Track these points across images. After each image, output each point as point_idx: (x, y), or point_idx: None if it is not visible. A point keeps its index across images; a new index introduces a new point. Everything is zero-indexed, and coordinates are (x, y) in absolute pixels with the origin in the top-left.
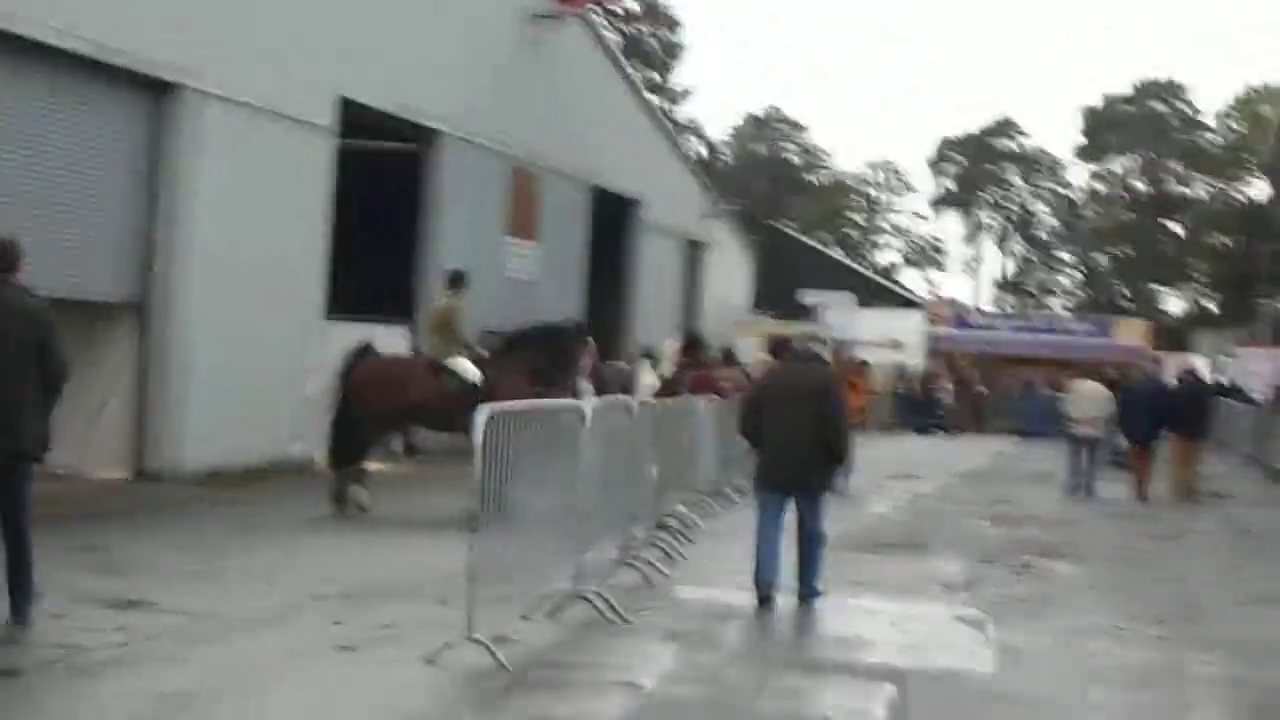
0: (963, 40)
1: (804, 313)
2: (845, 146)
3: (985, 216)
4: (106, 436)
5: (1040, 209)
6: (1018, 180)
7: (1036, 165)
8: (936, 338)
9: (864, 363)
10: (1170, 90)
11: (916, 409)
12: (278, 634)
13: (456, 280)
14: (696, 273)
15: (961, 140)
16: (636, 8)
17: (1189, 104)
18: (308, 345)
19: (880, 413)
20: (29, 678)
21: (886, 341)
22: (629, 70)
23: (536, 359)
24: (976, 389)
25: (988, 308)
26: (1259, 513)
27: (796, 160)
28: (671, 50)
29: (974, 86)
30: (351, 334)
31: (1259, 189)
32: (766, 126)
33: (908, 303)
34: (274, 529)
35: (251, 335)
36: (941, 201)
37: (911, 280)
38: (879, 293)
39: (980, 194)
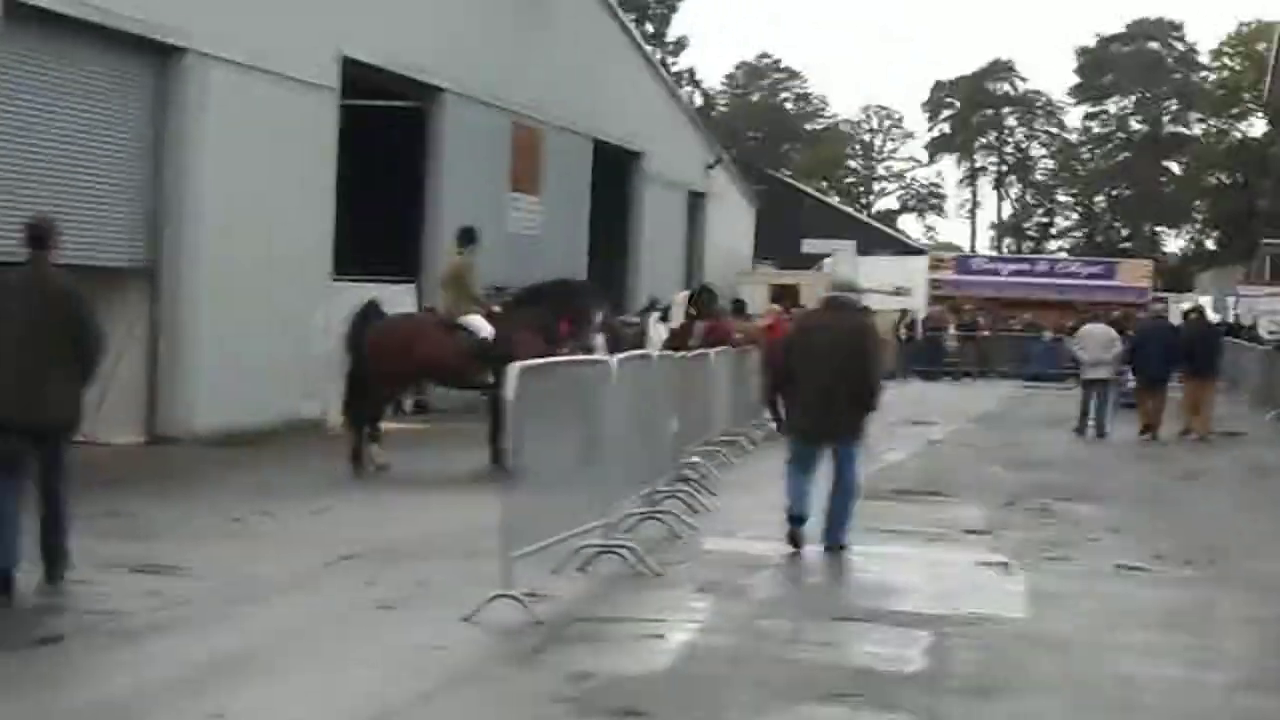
0: None
1: (807, 262)
2: (838, 92)
3: (981, 159)
4: (119, 401)
5: (1037, 151)
6: (1013, 122)
7: (1032, 107)
8: (939, 283)
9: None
10: (1164, 28)
11: (921, 355)
12: (314, 595)
13: (468, 237)
14: (699, 224)
15: (955, 83)
16: None
17: (1183, 42)
18: (316, 306)
19: (886, 360)
20: (70, 644)
21: (890, 288)
22: (628, 23)
23: (549, 315)
24: (981, 334)
25: (988, 251)
26: (1272, 452)
27: (791, 108)
28: (668, 3)
29: (967, 29)
30: (358, 294)
31: (1257, 126)
32: (760, 74)
33: (908, 249)
34: (293, 490)
35: (260, 297)
36: (937, 146)
37: (910, 226)
38: (879, 240)
39: (976, 137)
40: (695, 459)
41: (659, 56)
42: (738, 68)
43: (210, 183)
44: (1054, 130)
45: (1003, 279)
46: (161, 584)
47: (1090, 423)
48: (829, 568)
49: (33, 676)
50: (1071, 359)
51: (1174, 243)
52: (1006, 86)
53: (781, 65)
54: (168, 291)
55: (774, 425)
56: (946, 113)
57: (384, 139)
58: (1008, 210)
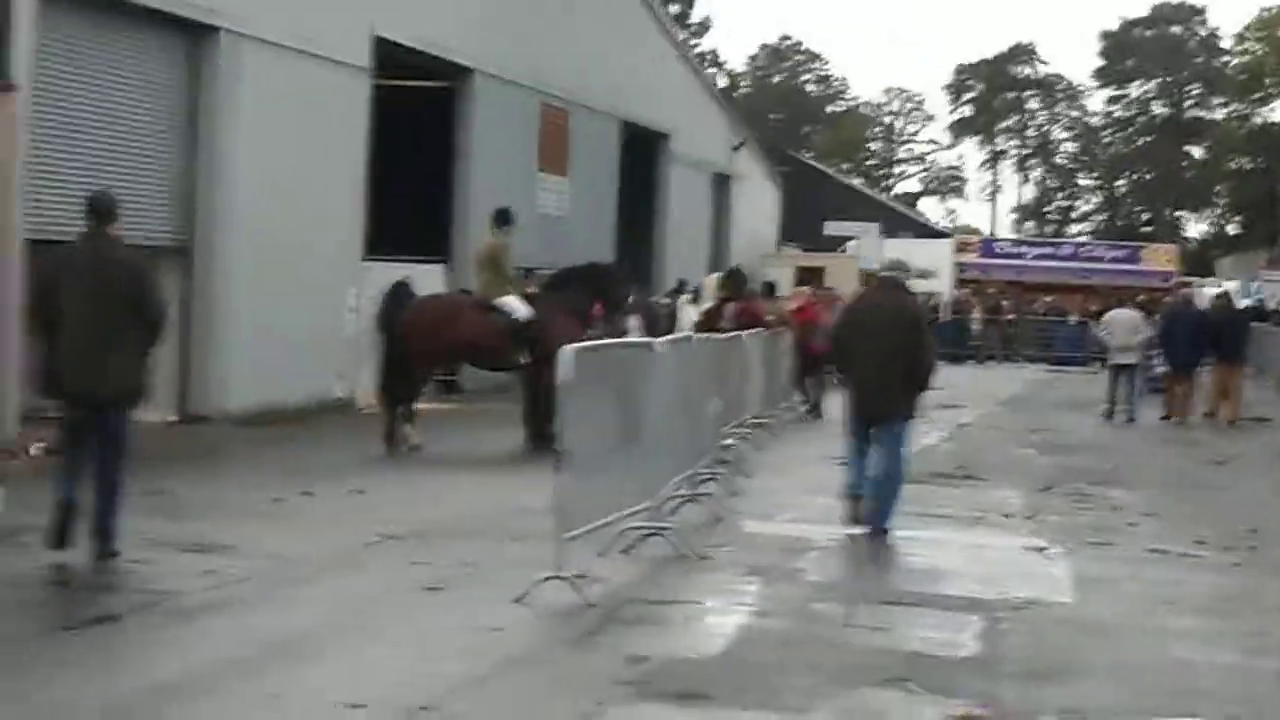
0: None
1: (831, 244)
2: (860, 75)
3: (1003, 143)
4: (152, 380)
5: (1058, 134)
6: (1035, 106)
7: (1053, 91)
8: (964, 266)
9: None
10: (1187, 12)
11: (947, 338)
12: (362, 575)
13: (504, 218)
14: (724, 205)
15: (977, 66)
16: None
17: (1206, 26)
18: (347, 285)
19: None
20: (127, 624)
21: (915, 271)
22: (655, 4)
23: (584, 298)
24: (1006, 317)
25: (1009, 235)
26: None
27: (813, 90)
28: None
29: (989, 12)
30: (389, 274)
31: (1279, 110)
32: (782, 56)
33: (930, 232)
34: (329, 470)
35: (292, 276)
36: (959, 128)
37: (930, 209)
38: (901, 222)
39: (998, 120)
40: (730, 441)
41: (683, 38)
42: (760, 50)
43: (243, 162)
44: (1076, 114)
45: (1027, 263)
46: (212, 563)
47: (1119, 407)
48: (874, 551)
49: (91, 657)
50: (1097, 343)
51: (1195, 227)
52: (1028, 70)
53: (803, 48)
54: (200, 270)
55: (804, 408)
56: (968, 96)
57: (413, 119)
58: (1029, 194)
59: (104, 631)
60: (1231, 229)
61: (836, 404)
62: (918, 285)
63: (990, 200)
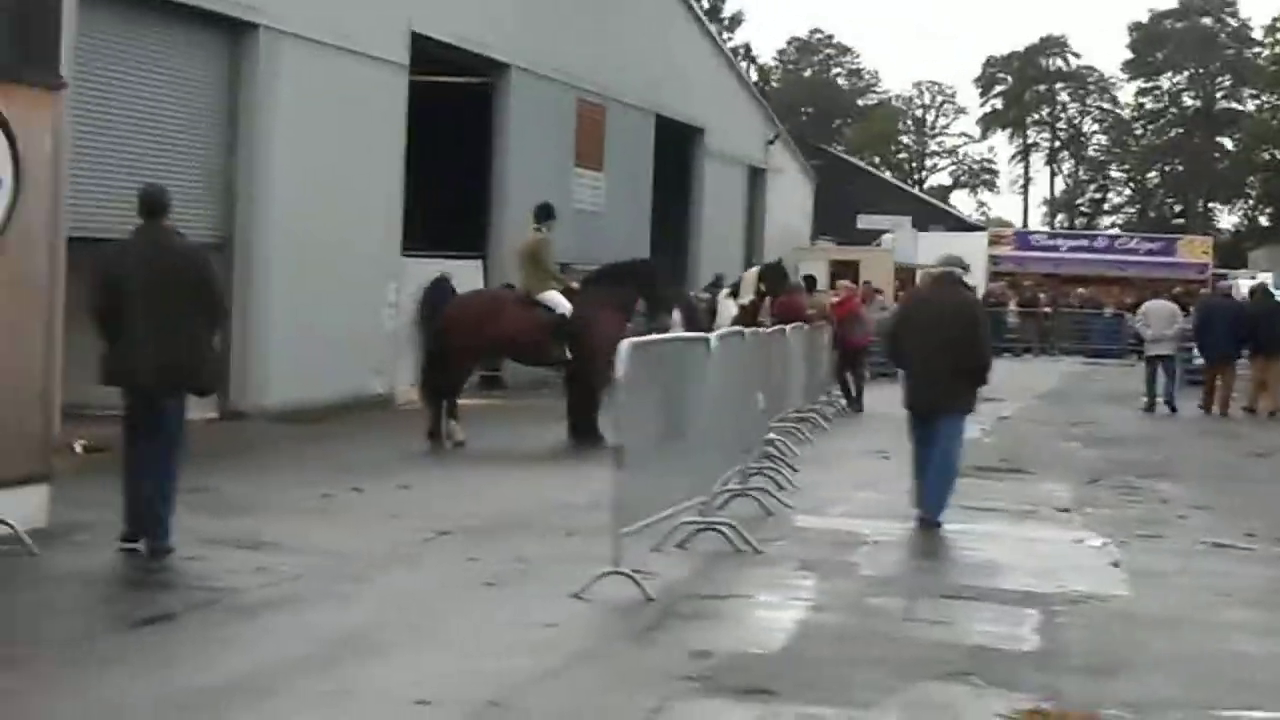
0: None
1: (865, 237)
2: (891, 68)
3: (1034, 135)
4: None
5: (1089, 127)
6: (1066, 98)
7: (1084, 83)
8: (999, 259)
9: None
10: (1217, 4)
11: None
12: (418, 571)
13: (545, 213)
14: (759, 199)
15: (1008, 59)
16: None
17: (1236, 17)
18: (386, 281)
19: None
20: (186, 621)
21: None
22: None
23: (626, 294)
24: (1042, 310)
25: (1042, 227)
26: None
27: (844, 84)
28: None
29: (1020, 5)
30: (428, 270)
31: None
32: (812, 50)
33: (962, 225)
34: (374, 466)
35: (331, 272)
36: (989, 121)
37: (962, 202)
38: (933, 215)
39: (1029, 113)
40: (773, 436)
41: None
42: (790, 43)
43: (282, 158)
44: (1106, 106)
45: (1062, 255)
46: (266, 560)
47: (1160, 399)
48: (928, 545)
49: (153, 655)
50: (1133, 335)
51: (1227, 219)
52: (1059, 62)
53: (833, 41)
54: (240, 266)
55: (844, 402)
56: (999, 88)
57: (450, 114)
58: (1060, 186)
59: (164, 629)
60: (1264, 220)
61: (876, 397)
62: None
63: (1022, 193)
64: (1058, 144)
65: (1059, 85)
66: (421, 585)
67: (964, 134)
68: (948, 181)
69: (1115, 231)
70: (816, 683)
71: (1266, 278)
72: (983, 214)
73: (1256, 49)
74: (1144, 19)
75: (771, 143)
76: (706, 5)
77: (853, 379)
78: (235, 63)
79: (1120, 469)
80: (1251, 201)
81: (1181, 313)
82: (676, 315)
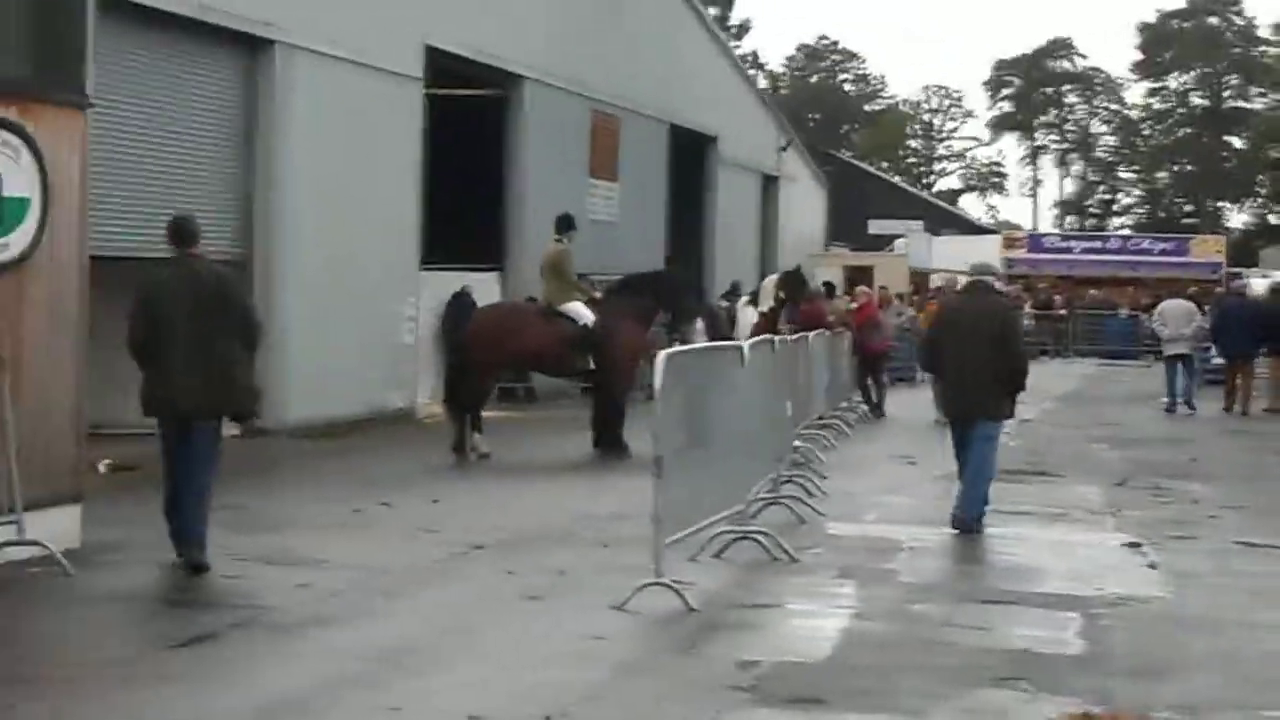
0: None
1: (878, 243)
2: (898, 73)
3: (1043, 138)
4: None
5: (1098, 128)
6: (1074, 100)
7: (1092, 84)
8: (1012, 262)
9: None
10: (1224, 3)
11: None
12: (457, 585)
13: (566, 224)
14: (772, 207)
15: (1016, 62)
16: None
17: (1243, 16)
18: (404, 294)
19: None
20: (230, 640)
21: (965, 268)
22: (702, 7)
23: (649, 305)
24: (1057, 312)
25: (1052, 229)
26: None
27: (851, 89)
28: None
29: (1026, 7)
30: (446, 282)
31: None
32: (819, 56)
33: (973, 228)
34: (400, 480)
35: (349, 287)
36: (998, 124)
37: (971, 205)
38: (944, 219)
39: (1037, 115)
40: (799, 443)
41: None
42: (797, 50)
43: (300, 173)
44: (1115, 107)
45: (1076, 257)
46: (304, 576)
47: (1179, 399)
48: (964, 550)
49: (202, 675)
50: (1150, 335)
51: (1237, 218)
52: (1066, 64)
53: (840, 47)
54: (260, 282)
55: (865, 407)
56: (1007, 91)
57: (464, 127)
58: (1070, 188)
59: (210, 648)
60: (1274, 219)
61: (897, 402)
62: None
63: (1031, 195)
64: (1067, 146)
65: (1067, 87)
66: (461, 599)
67: (973, 137)
68: (957, 185)
69: (1127, 232)
70: (866, 691)
71: (1277, 275)
72: (992, 217)
73: (1263, 47)
74: (1151, 19)
75: (784, 150)
76: (714, 13)
77: (873, 384)
78: (251, 79)
79: (1147, 470)
80: (1261, 200)
81: (1199, 312)
82: (700, 325)
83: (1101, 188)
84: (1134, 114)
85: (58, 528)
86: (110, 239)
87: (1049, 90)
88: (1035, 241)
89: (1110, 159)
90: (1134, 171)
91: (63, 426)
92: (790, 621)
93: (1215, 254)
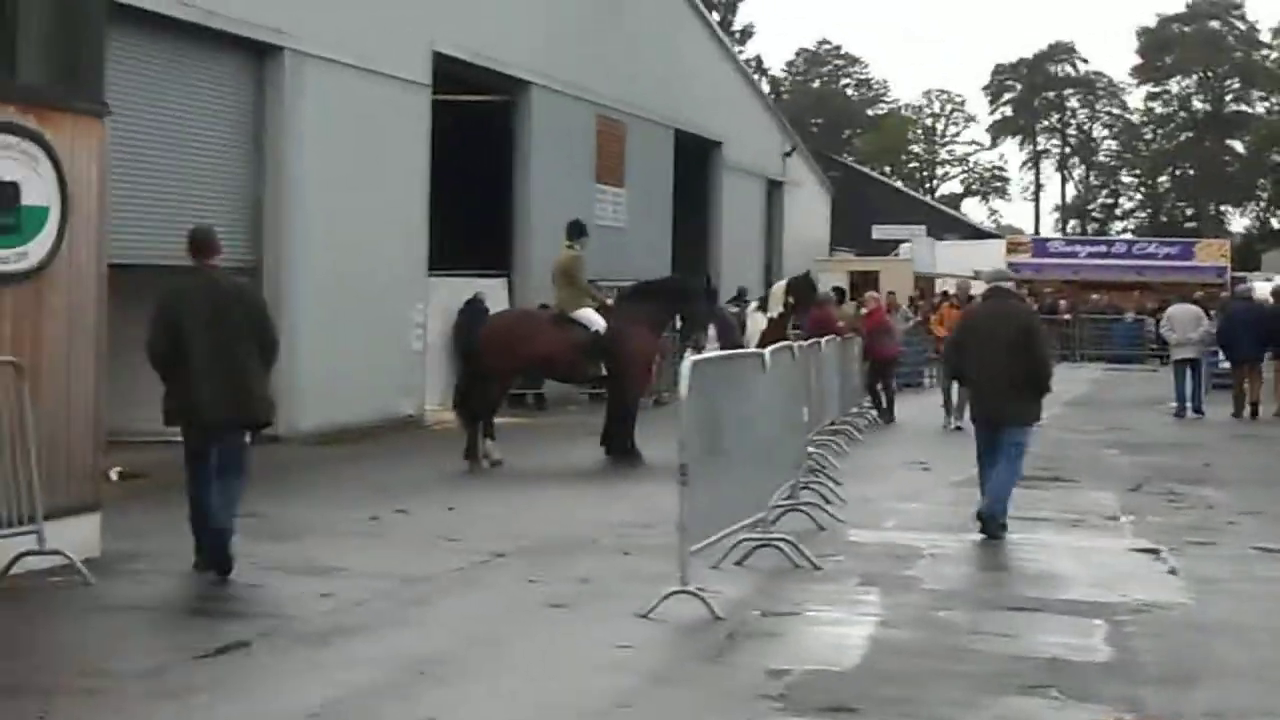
0: None
1: (883, 247)
2: (899, 77)
3: (1044, 142)
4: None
5: (1099, 132)
6: (1075, 104)
7: (1093, 88)
8: (1017, 266)
9: (971, 297)
10: (1225, 7)
11: None
12: (482, 593)
13: (577, 230)
14: (777, 212)
15: (1017, 66)
16: None
17: (1244, 20)
18: (413, 301)
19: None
20: (259, 649)
21: (971, 273)
22: (707, 12)
23: (661, 311)
24: (1062, 316)
25: (1054, 233)
26: None
27: (853, 94)
28: None
29: (1027, 12)
30: (454, 288)
31: None
32: (821, 61)
33: (975, 232)
34: (413, 487)
35: (358, 293)
36: (999, 129)
37: (973, 210)
38: (946, 224)
39: (1038, 120)
40: (812, 449)
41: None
42: (798, 55)
43: (308, 180)
44: (1116, 111)
45: (1081, 261)
46: (328, 585)
47: (1188, 404)
48: (985, 557)
49: (233, 685)
50: (1155, 339)
51: (1238, 221)
52: (1068, 68)
53: (841, 51)
54: (270, 289)
55: (874, 412)
56: (1008, 96)
57: (470, 132)
58: (1071, 192)
59: (239, 658)
60: (1276, 223)
61: (905, 408)
62: (978, 287)
63: (1033, 200)
64: (1068, 150)
65: (1068, 91)
66: (486, 608)
67: (974, 142)
68: (959, 189)
69: (1131, 236)
70: (897, 700)
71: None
72: (994, 221)
73: (1265, 51)
74: (1152, 23)
75: (789, 155)
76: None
77: (883, 390)
78: (261, 86)
79: (1161, 475)
80: (1263, 204)
81: (1206, 316)
82: (712, 331)
83: (1103, 192)
84: (1135, 118)
85: (77, 536)
86: (124, 249)
87: (1050, 94)
88: (1040, 246)
89: (1112, 163)
90: (1135, 176)
91: (82, 434)
92: (817, 629)
93: (1220, 258)
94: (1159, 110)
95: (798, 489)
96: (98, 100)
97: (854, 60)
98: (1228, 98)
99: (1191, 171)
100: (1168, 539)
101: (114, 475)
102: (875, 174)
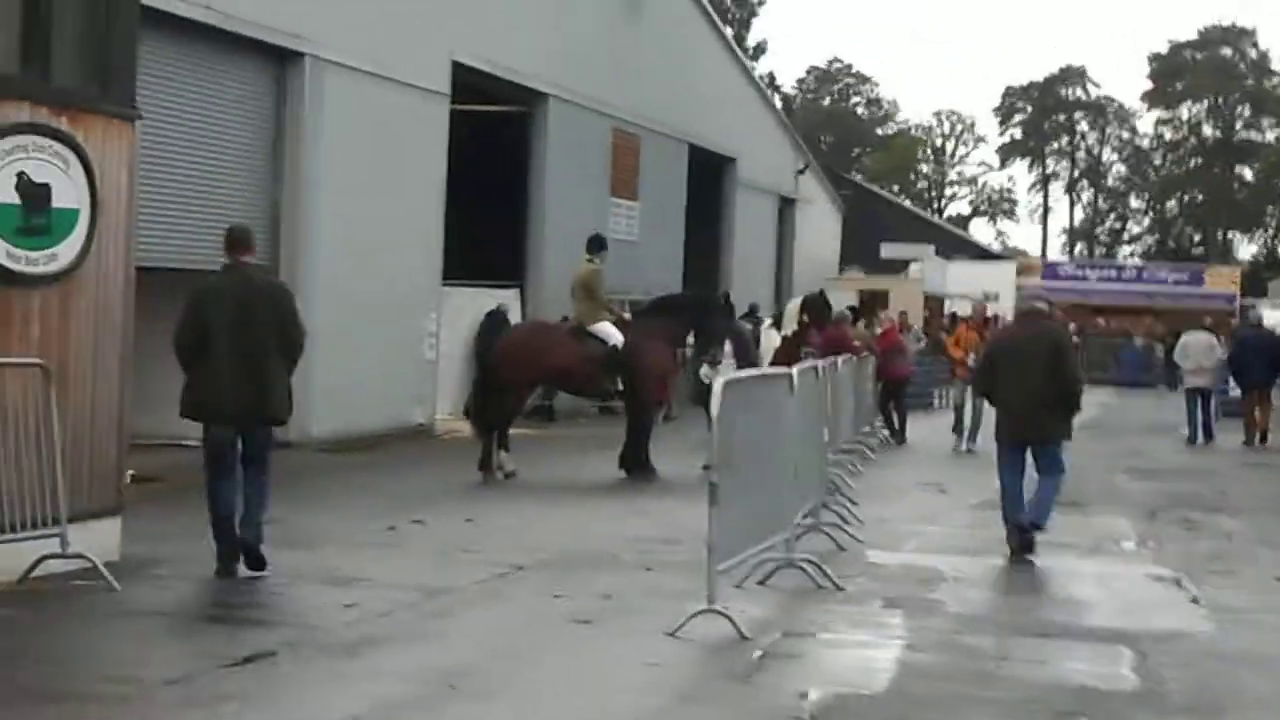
0: None
1: (893, 266)
2: (909, 97)
3: (1053, 165)
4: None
5: (1109, 156)
6: (1085, 128)
7: (1104, 113)
8: (1026, 289)
9: (988, 319)
10: (1236, 35)
11: None
12: (504, 607)
13: (596, 244)
14: (788, 229)
15: (1027, 89)
16: None
17: (1256, 48)
18: (426, 310)
19: None
20: (286, 659)
21: (980, 294)
22: (723, 28)
23: (678, 326)
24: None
25: (1061, 256)
26: None
27: (863, 113)
28: (748, 6)
29: (1039, 35)
30: (467, 298)
31: None
32: (832, 79)
33: (985, 254)
34: (427, 497)
35: (372, 301)
36: (1009, 151)
37: (981, 231)
38: (955, 245)
39: (1048, 142)
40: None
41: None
42: (809, 73)
43: (326, 186)
44: (1126, 136)
45: (1091, 285)
46: (351, 596)
47: (1200, 431)
48: (1007, 581)
49: (262, 694)
50: (1164, 364)
51: (1246, 248)
52: (1078, 92)
53: (853, 70)
54: None
55: (886, 432)
56: (1018, 118)
57: (486, 142)
58: (1079, 215)
59: (266, 667)
60: None
61: (916, 429)
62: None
63: (1041, 222)
64: (1077, 173)
65: (1078, 115)
66: (510, 622)
67: (983, 163)
68: (967, 210)
69: (1141, 261)
70: None
71: None
72: (1002, 243)
73: (1276, 79)
74: (1163, 49)
75: (801, 172)
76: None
77: (895, 410)
78: (280, 91)
79: (1176, 503)
80: (1271, 231)
81: (1219, 345)
82: (728, 348)
83: (1111, 216)
84: (1144, 143)
85: (98, 540)
86: (143, 250)
87: (1060, 118)
88: (1050, 269)
89: (1120, 188)
90: (1144, 200)
91: (106, 437)
92: (843, 651)
93: (1230, 285)
94: (1169, 136)
95: (818, 509)
96: (129, 104)
97: (865, 79)
98: (1238, 125)
99: (1200, 198)
100: (1187, 567)
101: (127, 478)
102: (886, 194)
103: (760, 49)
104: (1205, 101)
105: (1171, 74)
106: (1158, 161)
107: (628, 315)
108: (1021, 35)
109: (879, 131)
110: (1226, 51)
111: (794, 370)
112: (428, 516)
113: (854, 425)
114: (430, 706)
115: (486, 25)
